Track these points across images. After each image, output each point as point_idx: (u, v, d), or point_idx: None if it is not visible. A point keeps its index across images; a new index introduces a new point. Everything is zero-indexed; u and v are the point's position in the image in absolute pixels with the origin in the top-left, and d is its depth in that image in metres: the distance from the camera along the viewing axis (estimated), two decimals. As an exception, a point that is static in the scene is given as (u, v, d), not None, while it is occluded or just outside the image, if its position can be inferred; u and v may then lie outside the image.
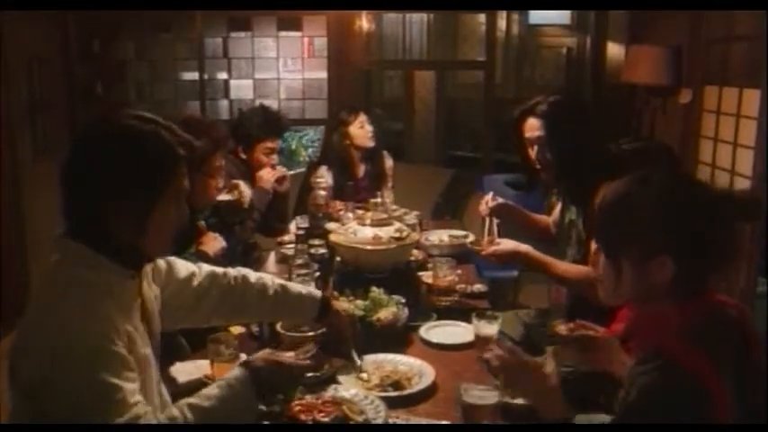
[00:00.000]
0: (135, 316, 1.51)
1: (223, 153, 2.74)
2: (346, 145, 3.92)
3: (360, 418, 1.68)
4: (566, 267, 2.41)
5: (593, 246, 1.50)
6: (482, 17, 6.63)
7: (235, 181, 3.02)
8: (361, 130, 3.91)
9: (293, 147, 6.42)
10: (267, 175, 3.47)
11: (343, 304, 2.25)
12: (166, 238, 1.55)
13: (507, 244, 2.53)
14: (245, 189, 3.07)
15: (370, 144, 3.95)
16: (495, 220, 2.69)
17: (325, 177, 3.77)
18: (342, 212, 3.39)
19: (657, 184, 1.38)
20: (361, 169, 4.02)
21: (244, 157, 3.51)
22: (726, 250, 1.39)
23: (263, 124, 3.52)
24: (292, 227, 3.45)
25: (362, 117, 3.93)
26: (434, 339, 2.27)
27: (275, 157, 3.57)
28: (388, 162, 4.14)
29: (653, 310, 1.39)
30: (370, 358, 2.07)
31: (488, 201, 2.81)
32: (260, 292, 1.91)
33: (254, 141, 3.49)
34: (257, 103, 5.03)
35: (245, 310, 1.94)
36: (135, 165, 1.43)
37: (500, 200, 2.84)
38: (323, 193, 3.46)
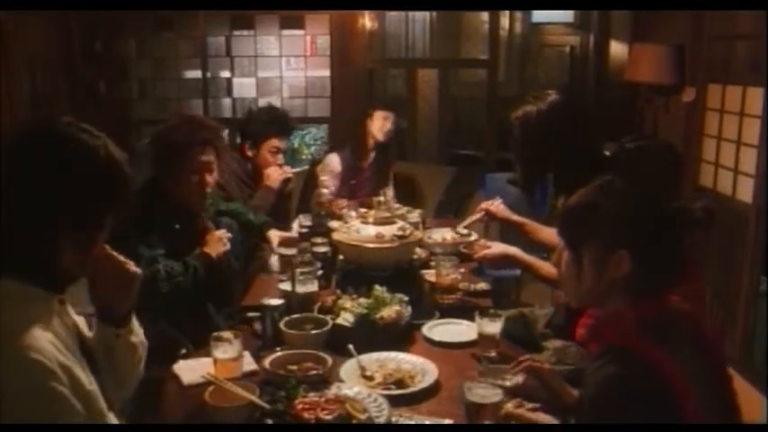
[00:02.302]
0: (73, 348, 1.41)
1: (204, 149, 2.69)
2: (366, 127, 4.06)
3: (363, 417, 1.68)
4: (551, 269, 2.45)
5: (558, 247, 1.57)
6: (485, 16, 6.63)
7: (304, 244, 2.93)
8: (384, 122, 4.05)
9: (296, 145, 6.43)
10: (275, 174, 3.50)
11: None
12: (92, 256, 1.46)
13: (497, 247, 2.64)
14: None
15: (380, 138, 4.06)
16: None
17: (333, 163, 4.00)
18: (345, 210, 3.40)
19: (618, 191, 1.48)
20: (369, 157, 4.13)
21: (250, 154, 3.54)
22: (678, 256, 1.46)
23: (271, 123, 3.55)
24: (295, 225, 3.46)
25: (388, 114, 4.07)
26: (437, 338, 2.27)
27: (281, 157, 3.60)
28: (391, 158, 4.26)
29: (610, 310, 1.45)
30: (373, 356, 2.07)
31: (495, 205, 2.95)
32: None
33: (260, 140, 3.52)
34: (261, 102, 5.08)
35: None
36: (89, 181, 1.36)
37: (503, 207, 2.95)
38: (326, 191, 3.48)
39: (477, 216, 3.03)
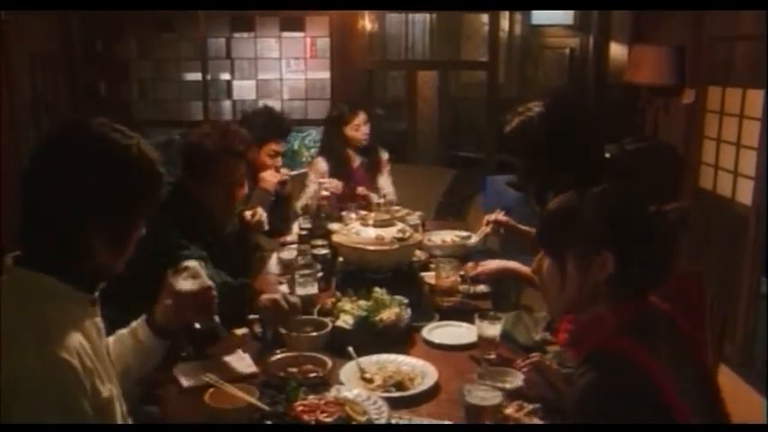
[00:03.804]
0: (99, 349, 1.41)
1: (238, 161, 2.66)
2: (341, 141, 4.07)
3: (362, 419, 1.69)
4: None
5: (538, 256, 1.57)
6: (485, 17, 6.63)
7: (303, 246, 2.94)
8: (357, 133, 4.06)
9: (296, 147, 6.42)
10: (270, 177, 3.48)
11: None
12: (127, 255, 1.48)
13: (492, 264, 2.71)
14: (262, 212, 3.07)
15: (364, 143, 4.10)
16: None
17: (320, 165, 4.04)
18: (345, 212, 3.41)
19: (595, 195, 1.50)
20: (356, 161, 4.14)
21: (248, 157, 3.53)
22: (657, 259, 1.47)
23: (268, 126, 3.53)
24: (295, 227, 3.46)
25: (360, 118, 4.05)
26: (437, 340, 2.27)
27: (279, 160, 3.59)
28: (384, 155, 4.26)
29: (591, 315, 1.46)
30: (373, 359, 2.07)
31: (497, 216, 2.95)
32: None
33: (258, 143, 3.50)
34: (260, 104, 5.08)
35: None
36: (122, 180, 1.37)
37: (503, 218, 2.97)
38: (326, 193, 3.48)
39: (488, 229, 3.00)
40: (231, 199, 2.68)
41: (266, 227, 3.09)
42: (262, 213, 3.07)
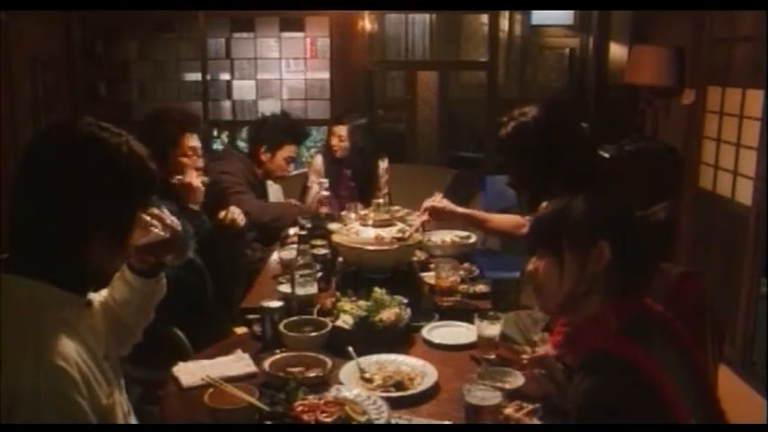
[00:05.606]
0: (97, 354, 1.40)
1: (191, 133, 2.77)
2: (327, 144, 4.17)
3: (362, 419, 1.68)
4: (499, 219, 3.00)
5: (531, 260, 1.59)
6: (485, 18, 6.63)
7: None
8: (331, 137, 4.09)
9: (296, 147, 6.45)
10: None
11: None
12: (125, 254, 1.49)
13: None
14: (239, 215, 3.02)
15: (336, 155, 4.08)
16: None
17: (317, 163, 4.12)
18: (345, 212, 3.40)
19: (586, 198, 1.53)
20: (345, 172, 4.12)
21: (264, 158, 3.55)
22: (645, 257, 1.51)
23: (288, 131, 3.61)
24: (294, 228, 3.46)
25: (337, 129, 4.06)
26: (437, 340, 2.27)
27: (293, 165, 3.67)
28: (382, 165, 4.24)
29: (588, 315, 1.47)
30: (373, 359, 2.07)
31: (438, 201, 3.03)
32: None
33: (277, 146, 3.55)
34: (260, 104, 5.11)
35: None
36: (113, 179, 1.36)
37: (445, 201, 3.04)
38: (326, 193, 3.48)
39: (424, 217, 2.99)
40: (191, 170, 2.76)
41: (242, 222, 3.01)
42: (234, 211, 3.00)
